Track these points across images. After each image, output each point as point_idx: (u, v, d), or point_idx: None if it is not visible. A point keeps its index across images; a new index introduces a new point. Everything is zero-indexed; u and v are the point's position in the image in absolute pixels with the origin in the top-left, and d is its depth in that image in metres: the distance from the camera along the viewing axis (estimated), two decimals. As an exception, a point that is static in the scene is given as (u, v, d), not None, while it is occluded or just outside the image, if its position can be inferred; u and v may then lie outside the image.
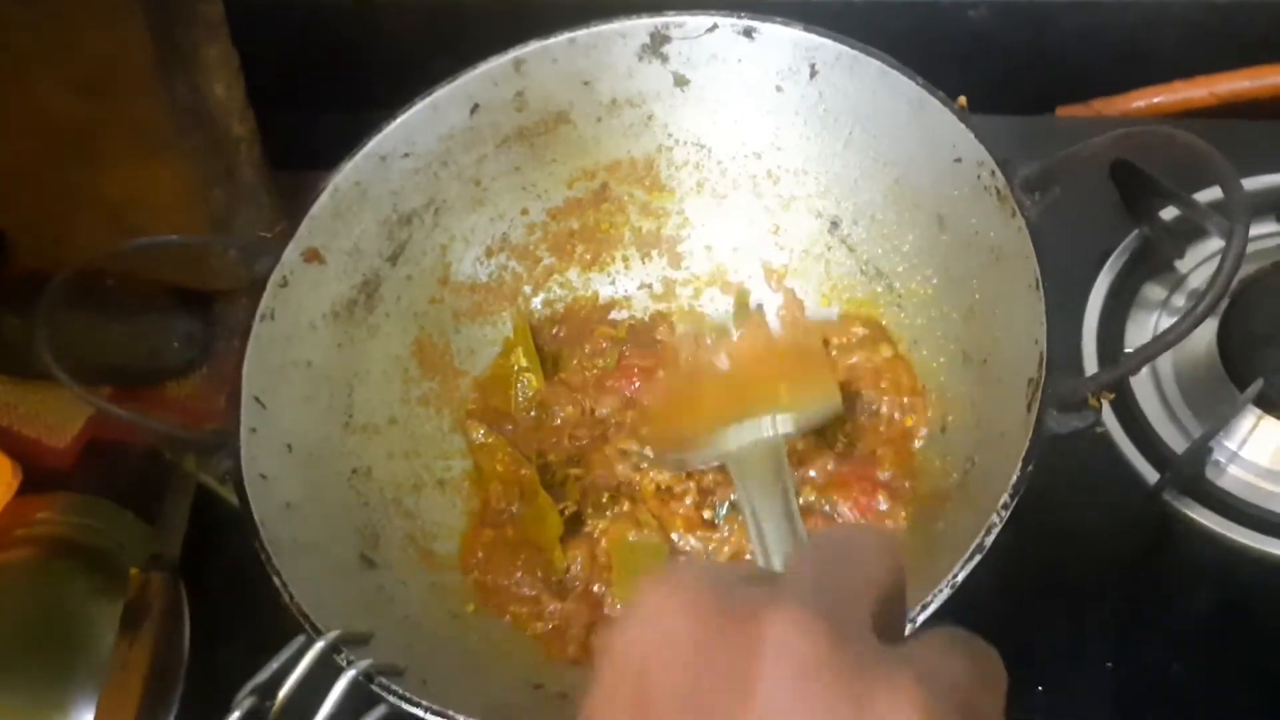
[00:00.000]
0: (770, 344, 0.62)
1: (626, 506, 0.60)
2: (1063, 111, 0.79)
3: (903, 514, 0.58)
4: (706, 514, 0.60)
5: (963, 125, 0.56)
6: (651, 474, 0.61)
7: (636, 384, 0.65)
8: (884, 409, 0.61)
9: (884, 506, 0.58)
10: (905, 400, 0.61)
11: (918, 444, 0.60)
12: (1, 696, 0.63)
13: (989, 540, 0.46)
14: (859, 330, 0.64)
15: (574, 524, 0.61)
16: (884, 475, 0.59)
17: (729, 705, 0.24)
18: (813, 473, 0.60)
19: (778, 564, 0.51)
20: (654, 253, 0.69)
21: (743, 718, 0.24)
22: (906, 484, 0.59)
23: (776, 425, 0.57)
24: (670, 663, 0.25)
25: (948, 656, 0.26)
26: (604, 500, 0.61)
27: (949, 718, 0.25)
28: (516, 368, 0.66)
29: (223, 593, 0.64)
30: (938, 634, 0.27)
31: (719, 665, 0.25)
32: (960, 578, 0.46)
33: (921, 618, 0.45)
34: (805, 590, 0.26)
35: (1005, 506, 0.47)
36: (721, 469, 0.59)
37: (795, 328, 0.65)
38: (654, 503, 0.60)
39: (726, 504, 0.60)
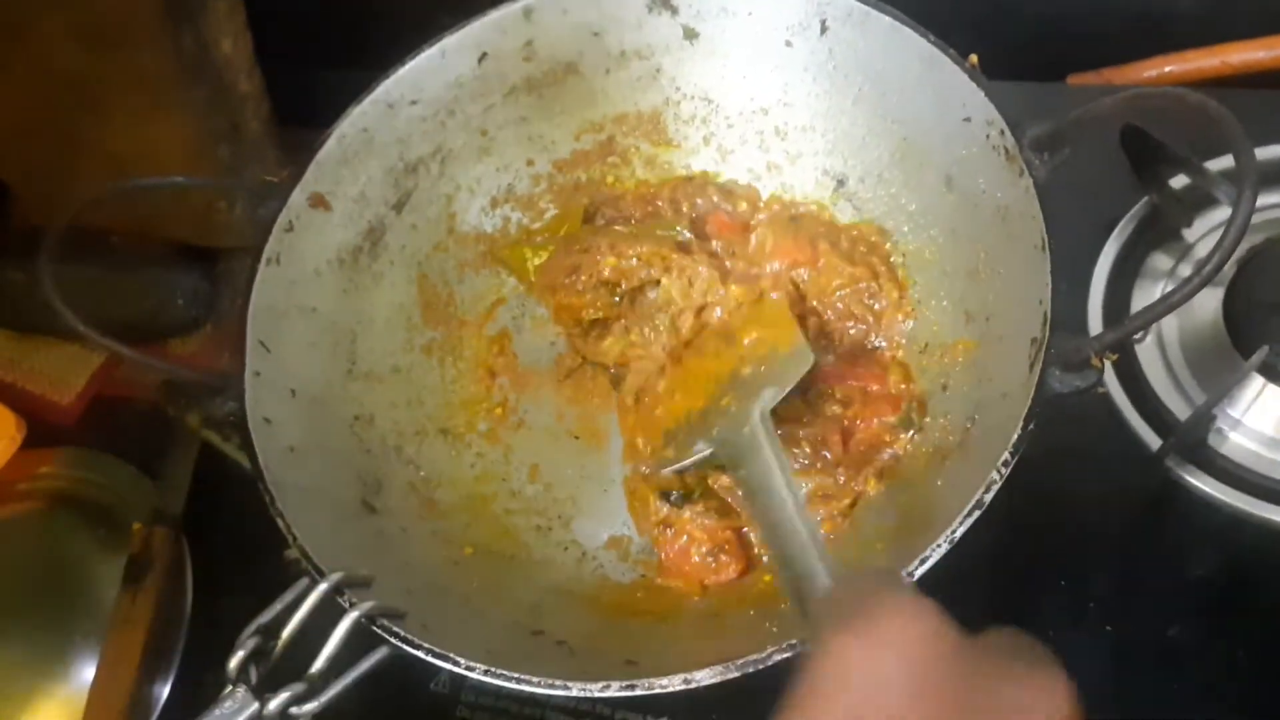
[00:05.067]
0: (738, 318, 0.61)
1: None
2: (1074, 80, 0.78)
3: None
4: None
5: (973, 84, 0.55)
6: None
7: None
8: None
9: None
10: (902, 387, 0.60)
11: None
12: (5, 648, 0.64)
13: (988, 497, 0.46)
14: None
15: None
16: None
17: None
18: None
19: (770, 535, 0.49)
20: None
21: None
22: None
23: (756, 401, 0.55)
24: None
25: None
26: None
27: None
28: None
29: (225, 548, 0.64)
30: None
31: None
32: (959, 533, 0.46)
33: (920, 571, 0.46)
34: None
35: (1005, 464, 0.47)
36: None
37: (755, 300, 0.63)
38: None
39: None
